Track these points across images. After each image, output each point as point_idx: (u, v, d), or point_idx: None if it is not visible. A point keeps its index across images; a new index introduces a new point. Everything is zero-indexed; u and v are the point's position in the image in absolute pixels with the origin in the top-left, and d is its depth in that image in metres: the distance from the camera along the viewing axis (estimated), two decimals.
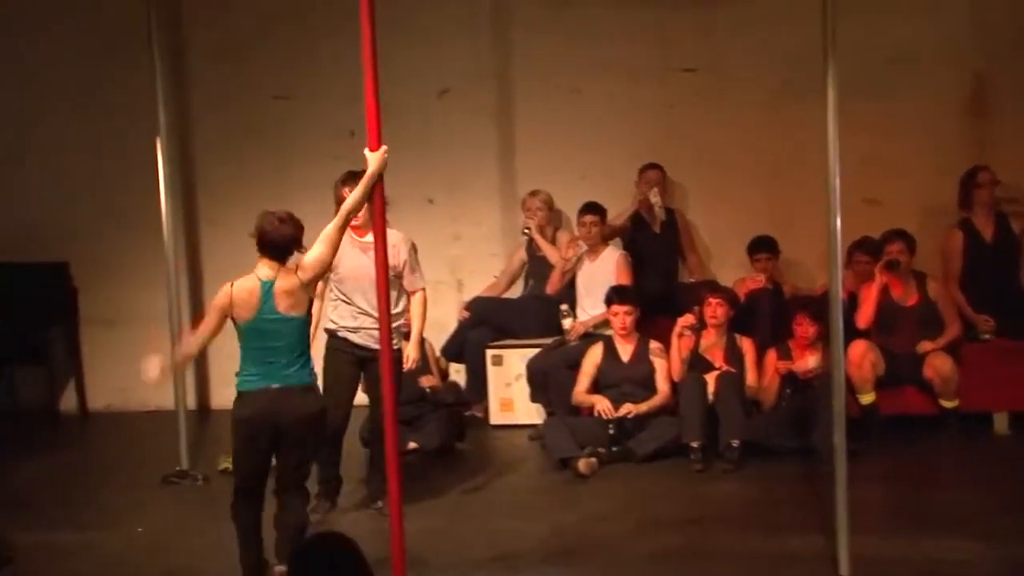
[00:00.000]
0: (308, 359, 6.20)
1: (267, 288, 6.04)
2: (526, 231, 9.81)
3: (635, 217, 9.91)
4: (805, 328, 8.63)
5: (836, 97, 6.08)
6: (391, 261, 6.87)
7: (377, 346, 6.22)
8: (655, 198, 9.73)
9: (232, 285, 6.12)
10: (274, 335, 6.10)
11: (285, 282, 6.06)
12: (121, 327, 10.51)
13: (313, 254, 6.12)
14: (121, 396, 10.62)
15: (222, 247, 10.52)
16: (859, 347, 8.64)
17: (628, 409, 8.57)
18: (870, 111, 9.52)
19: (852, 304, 8.84)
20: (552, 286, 9.64)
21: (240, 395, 6.27)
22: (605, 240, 9.68)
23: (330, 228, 6.18)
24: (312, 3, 10.25)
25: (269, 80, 10.37)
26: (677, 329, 8.78)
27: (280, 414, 6.12)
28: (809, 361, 8.55)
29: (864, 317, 8.89)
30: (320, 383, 6.46)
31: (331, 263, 6.34)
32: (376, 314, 6.80)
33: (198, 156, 10.52)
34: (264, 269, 6.09)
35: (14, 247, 10.40)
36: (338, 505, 7.55)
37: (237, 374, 6.25)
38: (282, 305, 6.06)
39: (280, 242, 6.10)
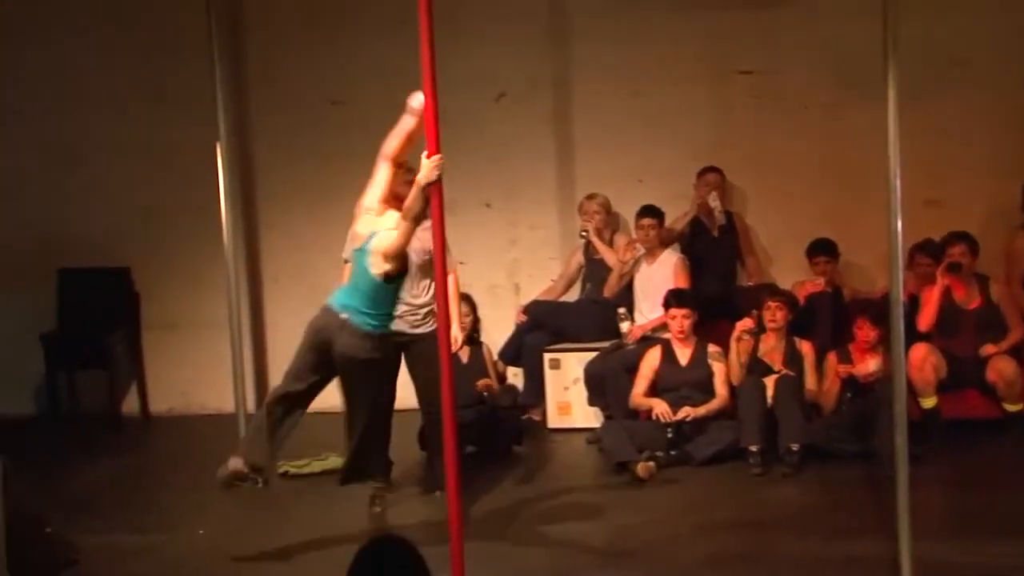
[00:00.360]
0: (385, 316, 6.75)
1: (368, 239, 6.68)
2: (583, 233, 9.81)
3: (694, 221, 9.88)
4: (866, 332, 8.57)
5: (897, 98, 6.03)
6: (423, 245, 6.97)
7: (412, 331, 7.20)
8: (714, 202, 9.70)
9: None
10: (359, 276, 6.74)
11: (380, 242, 6.62)
12: (182, 331, 10.60)
13: (391, 245, 6.57)
14: (182, 399, 10.72)
15: (281, 251, 10.60)
16: (921, 350, 8.57)
17: (687, 412, 8.54)
18: (931, 112, 9.45)
19: (913, 307, 8.77)
20: (609, 289, 9.64)
21: (324, 306, 6.85)
22: (664, 244, 9.65)
23: (402, 230, 6.54)
24: (369, 8, 10.29)
25: (327, 85, 10.42)
26: (736, 333, 8.74)
27: (332, 342, 6.76)
28: (870, 365, 8.49)
29: (926, 320, 8.82)
30: None
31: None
32: (414, 302, 6.97)
33: (257, 161, 10.58)
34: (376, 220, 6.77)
35: (77, 253, 10.51)
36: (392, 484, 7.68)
37: None
38: (369, 260, 6.61)
39: None
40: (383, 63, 10.14)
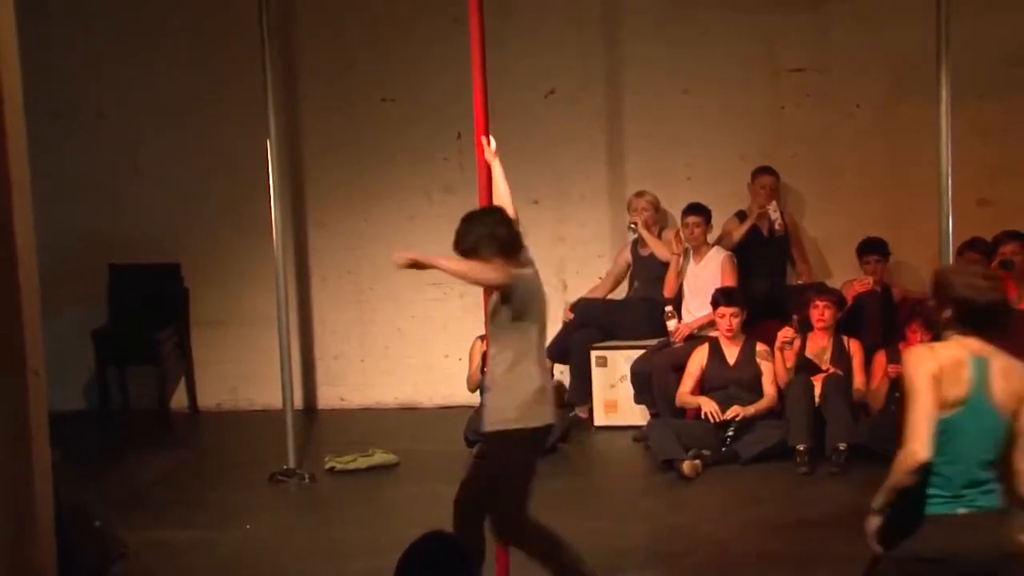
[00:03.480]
0: None
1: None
2: (632, 226, 9.77)
3: (744, 218, 9.82)
4: (920, 336, 8.46)
5: (949, 98, 5.99)
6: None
7: None
8: (775, 213, 9.62)
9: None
10: None
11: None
12: (231, 327, 10.66)
13: None
14: (231, 395, 10.78)
15: (330, 249, 10.63)
16: None
17: (735, 412, 8.51)
18: (984, 111, 9.39)
19: None
20: (669, 288, 9.55)
21: None
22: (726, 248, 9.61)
23: None
24: (419, 6, 10.31)
25: (377, 83, 10.45)
26: (778, 343, 8.70)
27: None
28: None
29: None
30: None
31: None
32: None
33: (307, 159, 10.62)
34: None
35: (128, 249, 10.59)
36: None
37: None
38: None
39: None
40: (434, 61, 10.17)
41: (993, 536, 4.28)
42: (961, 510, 4.29)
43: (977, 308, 4.27)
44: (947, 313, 4.32)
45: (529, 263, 5.80)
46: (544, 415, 5.74)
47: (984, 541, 4.27)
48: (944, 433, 4.24)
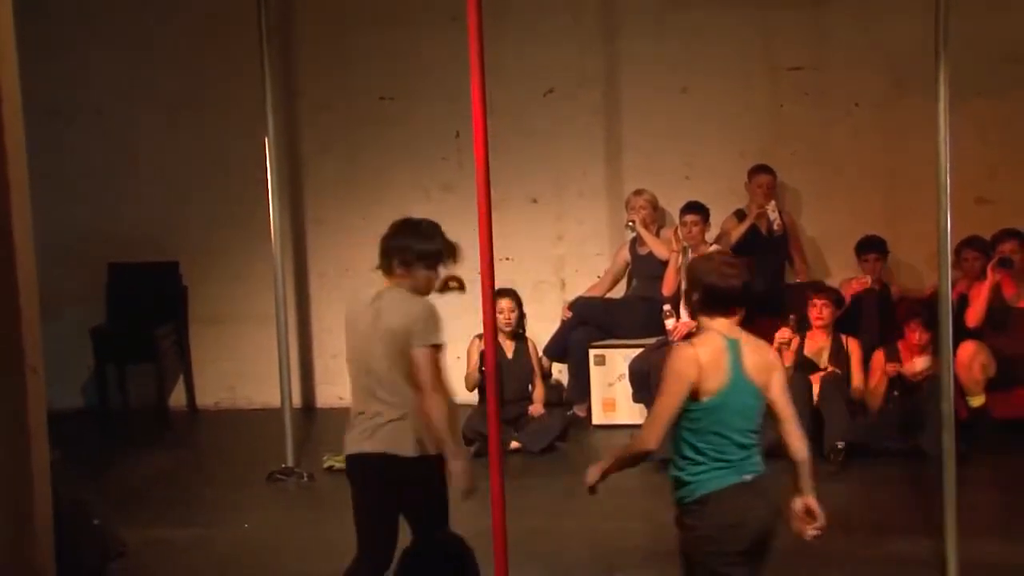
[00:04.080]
0: None
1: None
2: (630, 224, 9.76)
3: (743, 216, 9.82)
4: (918, 336, 8.47)
5: (948, 95, 5.98)
6: None
7: None
8: (773, 214, 9.62)
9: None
10: None
11: None
12: (229, 326, 10.66)
13: None
14: (229, 393, 10.78)
15: (328, 247, 10.63)
16: (969, 348, 8.50)
17: None
18: (983, 110, 9.39)
19: (962, 304, 8.70)
20: (668, 286, 9.54)
21: None
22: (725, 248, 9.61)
23: None
24: (417, 4, 10.31)
25: (375, 81, 10.45)
26: (775, 344, 8.69)
27: None
28: (917, 363, 8.43)
29: (974, 315, 8.73)
30: None
31: None
32: None
33: (305, 157, 10.62)
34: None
35: (127, 248, 10.59)
36: None
37: None
38: None
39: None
40: (432, 59, 10.17)
41: (769, 497, 4.84)
42: (747, 477, 4.75)
43: (720, 292, 4.77)
44: (695, 297, 4.85)
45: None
46: (347, 442, 5.57)
47: (765, 502, 4.81)
48: (714, 412, 4.68)
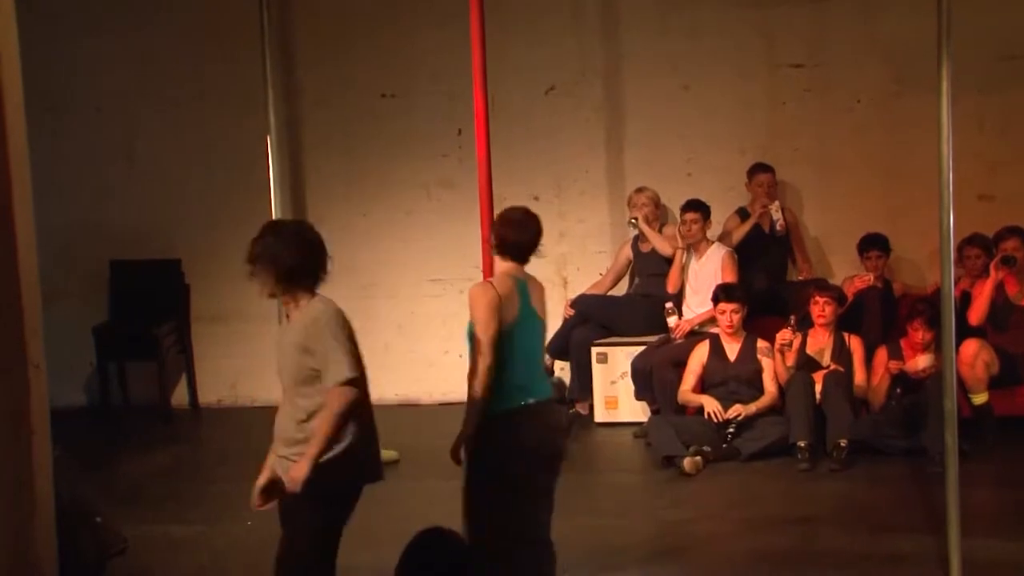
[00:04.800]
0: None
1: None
2: (633, 221, 9.75)
3: (745, 215, 9.80)
4: (922, 335, 8.45)
5: (950, 92, 5.97)
6: None
7: None
8: (776, 214, 9.60)
9: None
10: None
11: None
12: (231, 323, 10.66)
13: None
14: (231, 391, 10.78)
15: (329, 244, 10.56)
16: (972, 346, 8.48)
17: (738, 412, 8.50)
18: (985, 106, 9.39)
19: (965, 302, 8.69)
20: (672, 284, 9.52)
21: None
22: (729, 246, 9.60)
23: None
24: (419, 2, 10.30)
25: (377, 78, 10.45)
26: (776, 346, 8.70)
27: None
28: (920, 362, 8.41)
29: (976, 313, 8.71)
30: None
31: None
32: None
33: (307, 154, 10.62)
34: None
35: (128, 245, 10.60)
36: None
37: None
38: None
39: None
40: (433, 56, 10.17)
41: (558, 417, 5.63)
42: (532, 400, 5.40)
43: (512, 242, 5.65)
44: (494, 242, 5.69)
45: None
46: None
47: (556, 423, 5.57)
48: (512, 341, 5.41)
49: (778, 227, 9.63)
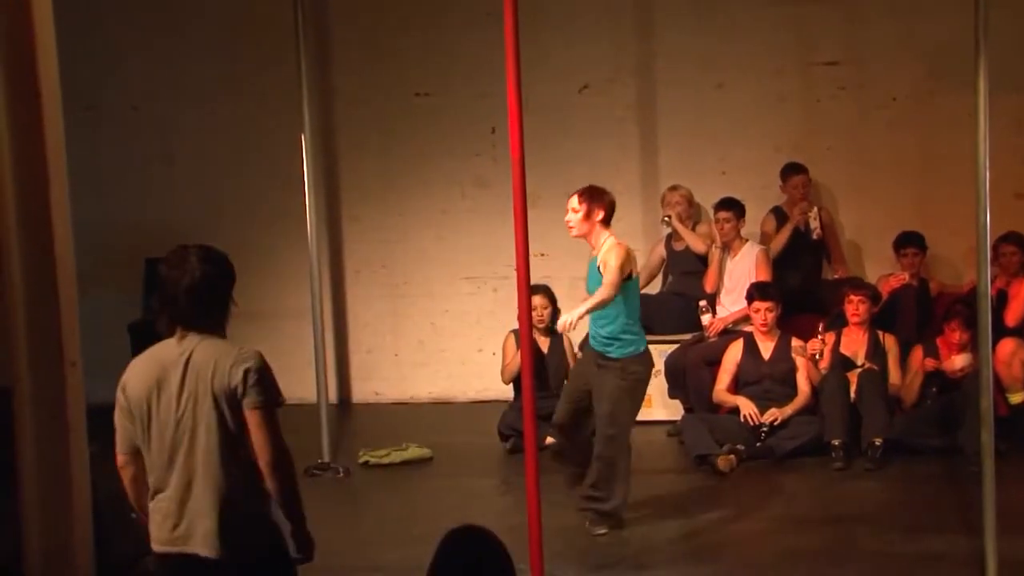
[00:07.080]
0: None
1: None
2: (666, 219, 9.73)
3: (780, 214, 9.76)
4: (959, 335, 8.39)
5: (987, 89, 5.93)
6: None
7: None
8: (815, 222, 9.54)
9: None
10: None
11: None
12: (265, 321, 10.65)
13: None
14: None
15: (364, 243, 10.65)
16: (1008, 345, 8.44)
17: (774, 415, 8.47)
18: (1020, 104, 9.31)
19: (1000, 301, 8.64)
20: (710, 283, 9.47)
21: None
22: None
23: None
24: (455, 1, 10.32)
25: (411, 77, 10.46)
26: (807, 354, 8.66)
27: None
28: (957, 361, 8.35)
29: (1013, 314, 8.67)
30: None
31: None
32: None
33: (342, 153, 10.65)
34: None
35: (163, 243, 10.53)
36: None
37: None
38: None
39: None
40: (468, 55, 10.18)
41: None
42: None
43: (612, 214, 7.07)
44: (601, 216, 6.98)
45: None
46: None
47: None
48: (634, 292, 7.10)
49: (815, 235, 9.56)
